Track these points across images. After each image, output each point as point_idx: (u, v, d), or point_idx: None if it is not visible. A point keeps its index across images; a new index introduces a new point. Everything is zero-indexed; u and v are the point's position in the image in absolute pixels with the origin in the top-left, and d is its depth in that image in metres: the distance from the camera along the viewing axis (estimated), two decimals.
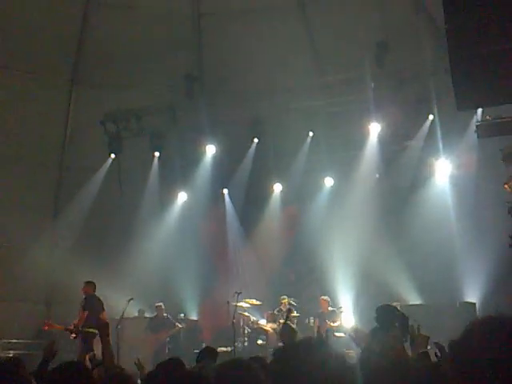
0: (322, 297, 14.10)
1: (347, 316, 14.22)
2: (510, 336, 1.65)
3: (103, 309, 12.43)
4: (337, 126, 15.61)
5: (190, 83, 16.47)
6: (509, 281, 11.62)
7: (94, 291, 12.64)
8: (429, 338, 5.64)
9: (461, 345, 1.74)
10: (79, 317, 12.39)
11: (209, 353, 7.01)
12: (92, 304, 12.38)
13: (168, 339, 14.69)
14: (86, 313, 12.27)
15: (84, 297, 12.55)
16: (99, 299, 12.60)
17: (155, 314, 14.99)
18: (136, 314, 15.31)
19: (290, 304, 14.24)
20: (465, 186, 14.11)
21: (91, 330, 11.85)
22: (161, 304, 15.07)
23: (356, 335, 7.36)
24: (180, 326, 14.76)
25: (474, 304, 13.21)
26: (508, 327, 1.69)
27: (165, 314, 14.95)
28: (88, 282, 12.71)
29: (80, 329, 12.21)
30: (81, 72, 16.88)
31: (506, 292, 11.25)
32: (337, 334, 13.10)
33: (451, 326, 9.86)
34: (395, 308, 6.76)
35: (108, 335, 5.65)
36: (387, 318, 6.62)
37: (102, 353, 5.56)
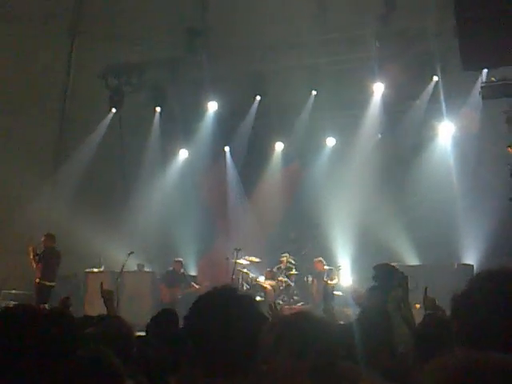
0: (315, 259, 14.19)
1: (345, 274, 14.33)
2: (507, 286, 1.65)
3: (58, 263, 12.49)
4: (340, 84, 15.44)
5: (193, 37, 16.28)
6: (507, 243, 11.65)
7: (54, 244, 12.67)
8: (435, 300, 5.67)
9: (464, 298, 1.74)
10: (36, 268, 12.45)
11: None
12: (49, 257, 12.44)
13: (180, 296, 14.48)
14: (40, 265, 12.35)
15: (43, 249, 12.59)
16: (58, 253, 12.63)
17: (172, 268, 14.88)
18: (135, 268, 15.40)
19: (289, 262, 14.35)
20: (467, 148, 14.07)
21: (48, 283, 12.01)
22: (181, 259, 15.05)
23: (356, 295, 7.35)
24: (197, 287, 14.53)
25: (472, 266, 13.29)
26: (506, 277, 1.69)
27: (182, 270, 14.93)
28: (47, 235, 12.74)
29: (37, 281, 12.34)
30: (83, 24, 16.66)
31: (503, 255, 11.29)
32: (334, 292, 13.21)
33: (448, 288, 9.89)
34: (394, 267, 6.72)
35: (111, 300, 5.68)
36: (385, 277, 6.55)
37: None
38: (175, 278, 14.69)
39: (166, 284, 14.64)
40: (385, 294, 6.31)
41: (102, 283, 5.82)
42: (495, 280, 1.70)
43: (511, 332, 1.58)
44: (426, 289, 5.33)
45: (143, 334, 5.52)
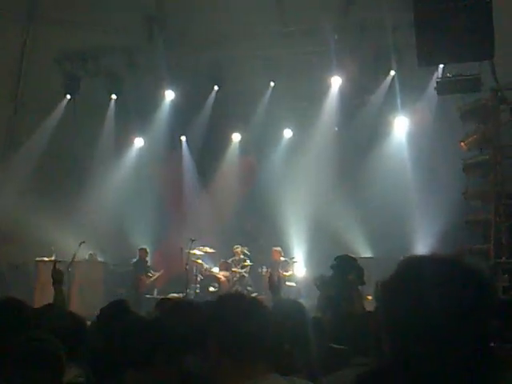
0: (274, 247, 14.21)
1: (299, 266, 14.39)
2: (435, 272, 1.62)
3: None
4: (298, 76, 15.46)
5: (150, 24, 16.08)
6: (458, 237, 11.84)
7: None
8: None
9: (389, 284, 1.70)
10: None
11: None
12: None
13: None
14: None
15: None
16: None
17: (138, 256, 14.90)
18: (86, 257, 15.18)
19: (243, 253, 14.34)
20: (422, 143, 14.26)
21: None
22: (145, 247, 15.02)
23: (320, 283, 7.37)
24: (155, 274, 14.70)
25: None
26: (433, 264, 1.65)
27: (147, 258, 14.93)
28: None
29: None
30: (38, 8, 16.28)
31: (453, 247, 11.48)
32: (288, 284, 13.27)
33: None
34: (354, 259, 6.79)
35: (60, 282, 5.58)
36: (345, 267, 6.64)
37: (54, 298, 5.49)
38: (145, 266, 14.65)
39: (140, 273, 14.51)
40: (341, 282, 6.39)
41: (55, 262, 5.80)
42: (421, 267, 1.66)
43: (435, 321, 1.56)
44: (377, 283, 5.36)
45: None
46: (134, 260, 14.96)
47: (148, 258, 15.01)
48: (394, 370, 1.62)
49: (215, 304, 2.57)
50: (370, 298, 7.67)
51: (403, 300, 1.62)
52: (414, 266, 1.68)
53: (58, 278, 5.56)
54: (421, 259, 1.70)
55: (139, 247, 14.97)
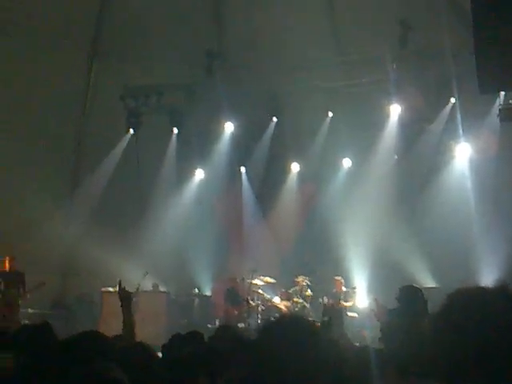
0: (336, 277, 14.08)
1: (361, 296, 14.21)
2: (486, 305, 1.63)
3: None
4: (357, 106, 15.46)
5: (210, 60, 16.42)
6: None
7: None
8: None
9: (441, 317, 1.71)
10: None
11: (225, 331, 7.00)
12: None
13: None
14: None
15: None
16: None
17: (231, 286, 14.71)
18: (150, 288, 15.38)
19: (305, 283, 14.25)
20: (484, 170, 13.96)
21: None
22: (236, 277, 14.79)
23: (377, 307, 7.22)
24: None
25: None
26: (485, 297, 1.67)
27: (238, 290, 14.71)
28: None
29: None
30: (102, 44, 16.87)
31: None
32: (350, 314, 13.11)
33: None
34: (420, 290, 6.63)
35: (128, 302, 5.55)
36: (411, 299, 6.46)
37: (123, 321, 5.47)
38: (235, 297, 14.48)
39: (232, 303, 14.39)
40: (406, 316, 6.22)
41: (120, 281, 5.63)
42: (471, 300, 1.68)
43: (488, 353, 1.56)
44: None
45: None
46: (225, 290, 14.74)
47: (239, 289, 14.67)
48: None
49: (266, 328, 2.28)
50: None
51: (450, 332, 1.64)
52: (460, 299, 1.71)
53: (125, 297, 5.49)
54: (467, 292, 1.73)
55: (230, 276, 14.76)
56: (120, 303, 5.45)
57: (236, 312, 13.95)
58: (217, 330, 6.21)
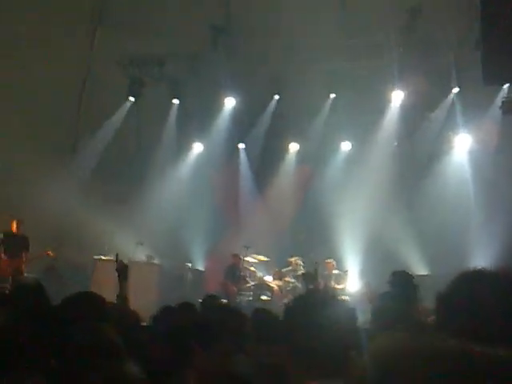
0: (327, 260, 14.15)
1: (353, 280, 14.30)
2: (495, 287, 1.64)
3: None
4: (359, 89, 15.43)
5: (215, 34, 16.33)
6: None
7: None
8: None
9: (448, 296, 1.73)
10: None
11: (212, 300, 7.10)
12: None
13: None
14: None
15: None
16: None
17: (232, 263, 14.34)
18: (144, 259, 15.44)
19: (298, 264, 14.30)
20: (484, 162, 14.01)
21: None
22: (238, 254, 14.33)
23: (369, 290, 7.29)
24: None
25: None
26: (494, 279, 1.68)
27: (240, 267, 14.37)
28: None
29: None
30: (106, 13, 16.73)
31: None
32: (341, 297, 13.20)
33: None
34: (412, 276, 6.69)
35: (125, 276, 5.59)
36: (402, 283, 6.50)
37: (118, 294, 5.52)
38: (236, 273, 14.20)
39: (230, 280, 14.11)
40: (397, 300, 6.28)
41: (117, 254, 5.69)
42: (479, 281, 1.69)
43: (492, 333, 1.57)
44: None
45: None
46: (227, 266, 14.40)
47: (242, 265, 14.33)
48: None
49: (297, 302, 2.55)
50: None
51: (457, 313, 1.66)
52: (467, 281, 1.72)
53: (122, 269, 5.53)
54: (475, 274, 1.74)
55: (233, 253, 14.39)
56: (116, 274, 5.51)
57: (235, 289, 13.98)
58: (204, 300, 6.29)
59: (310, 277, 5.85)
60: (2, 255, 12.48)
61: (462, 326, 1.62)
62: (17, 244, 12.67)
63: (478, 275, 1.72)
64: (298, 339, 2.35)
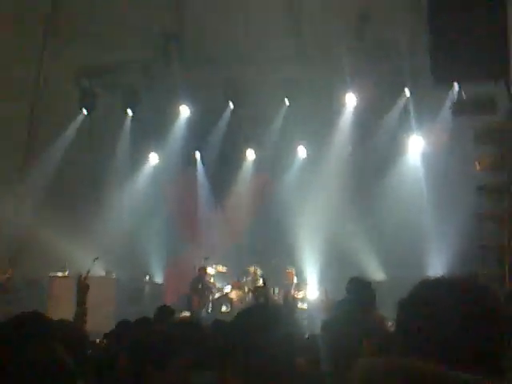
0: (288, 269, 14.12)
1: (312, 288, 14.29)
2: (455, 294, 1.65)
3: None
4: (313, 95, 15.47)
5: (167, 42, 16.23)
6: (472, 261, 11.72)
7: None
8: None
9: (409, 303, 1.72)
10: None
11: (165, 312, 7.00)
12: None
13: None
14: None
15: None
16: None
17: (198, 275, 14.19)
18: (103, 274, 15.18)
19: (256, 273, 14.26)
20: (436, 163, 14.19)
21: None
22: (204, 266, 14.23)
23: (325, 298, 7.23)
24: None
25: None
26: (453, 286, 1.68)
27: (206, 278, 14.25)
28: None
29: None
30: (55, 24, 16.48)
31: (468, 269, 11.37)
32: (300, 306, 13.18)
33: None
34: (369, 282, 6.67)
35: (84, 294, 5.60)
36: (359, 290, 6.47)
37: (75, 312, 5.49)
38: (201, 285, 14.05)
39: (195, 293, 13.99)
40: (355, 307, 6.25)
41: (80, 275, 5.75)
42: (440, 288, 1.69)
43: (452, 342, 1.59)
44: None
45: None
46: (193, 278, 14.26)
47: (208, 278, 14.22)
48: None
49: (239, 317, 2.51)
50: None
51: (417, 321, 1.65)
52: (427, 288, 1.71)
53: (83, 288, 5.57)
54: (435, 282, 1.74)
55: (199, 266, 14.22)
56: (76, 291, 5.52)
57: (199, 301, 13.81)
58: (156, 314, 6.18)
59: (259, 291, 5.76)
60: None
61: (422, 334, 1.63)
62: None
63: (438, 283, 1.73)
64: (238, 354, 2.32)
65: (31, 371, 2.62)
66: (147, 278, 15.42)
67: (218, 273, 14.70)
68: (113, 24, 16.11)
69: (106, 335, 5.79)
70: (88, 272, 12.66)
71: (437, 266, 13.64)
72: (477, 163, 11.81)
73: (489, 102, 11.60)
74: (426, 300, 1.67)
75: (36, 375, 2.59)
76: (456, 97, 12.90)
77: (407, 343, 1.67)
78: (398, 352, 1.69)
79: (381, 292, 7.03)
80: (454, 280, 1.72)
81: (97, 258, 13.27)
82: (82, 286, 5.58)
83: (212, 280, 14.37)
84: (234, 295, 13.98)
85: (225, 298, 14.03)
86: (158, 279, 16.38)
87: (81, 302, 5.44)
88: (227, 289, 14.39)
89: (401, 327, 1.73)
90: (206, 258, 13.81)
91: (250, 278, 14.34)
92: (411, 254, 13.36)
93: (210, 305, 13.95)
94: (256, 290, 5.63)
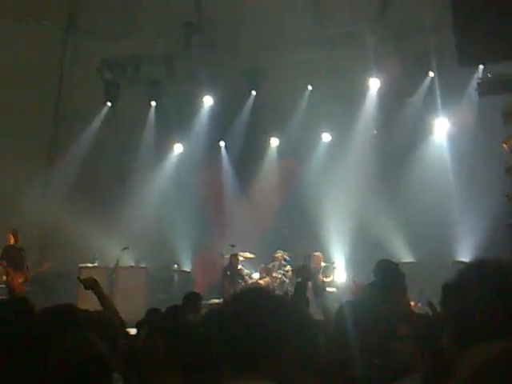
0: (315, 253, 14.11)
1: (340, 271, 14.29)
2: (504, 278, 1.67)
3: None
4: (336, 80, 15.40)
5: (189, 32, 16.22)
6: (502, 240, 11.62)
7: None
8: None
9: (453, 288, 1.75)
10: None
11: (193, 299, 7.09)
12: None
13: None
14: None
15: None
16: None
17: (229, 263, 14.08)
18: (132, 264, 15.33)
19: (283, 258, 14.29)
20: (463, 144, 14.03)
21: None
22: (237, 253, 14.16)
23: (354, 286, 7.22)
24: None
25: (467, 263, 13.27)
26: (503, 269, 1.71)
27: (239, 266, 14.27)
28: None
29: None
30: (78, 17, 16.61)
31: (498, 251, 11.26)
32: (329, 289, 13.19)
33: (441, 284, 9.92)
34: (396, 264, 6.61)
35: (93, 287, 5.58)
36: (386, 273, 6.42)
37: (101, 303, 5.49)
38: (232, 273, 13.99)
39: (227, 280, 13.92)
40: (383, 290, 6.21)
41: (78, 277, 5.66)
42: (486, 271, 1.71)
43: (499, 323, 1.60)
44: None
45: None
46: (224, 266, 14.18)
47: (239, 265, 14.17)
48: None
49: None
50: (413, 304, 7.47)
51: (467, 303, 1.69)
52: (477, 271, 1.75)
53: (91, 286, 5.49)
54: (483, 264, 1.77)
55: (232, 253, 14.18)
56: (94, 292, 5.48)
57: (231, 289, 13.82)
58: (185, 300, 6.18)
59: (301, 270, 5.74)
60: (10, 269, 12.38)
61: (471, 317, 1.66)
62: (18, 256, 12.60)
63: (484, 266, 1.75)
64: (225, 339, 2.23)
65: (69, 361, 2.67)
66: (176, 266, 15.51)
67: (246, 259, 14.72)
68: (133, 16, 16.20)
69: (137, 324, 5.82)
70: (118, 262, 12.88)
71: (465, 246, 13.56)
72: (504, 145, 11.70)
73: None
74: (474, 284, 1.70)
75: (74, 365, 2.64)
76: (481, 76, 12.76)
77: (456, 325, 1.70)
78: (451, 335, 1.71)
79: (410, 273, 6.98)
80: (498, 262, 1.74)
81: (126, 248, 13.48)
82: (89, 286, 5.49)
83: (239, 266, 14.41)
84: (263, 281, 14.02)
85: (254, 284, 14.06)
86: (186, 267, 16.48)
87: (102, 298, 5.29)
88: (255, 275, 14.44)
89: (448, 310, 1.77)
90: (233, 246, 13.85)
91: (277, 263, 14.38)
92: (439, 235, 13.31)
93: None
94: (298, 271, 5.60)
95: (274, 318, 2.20)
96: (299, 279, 5.91)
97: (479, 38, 10.93)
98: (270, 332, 2.16)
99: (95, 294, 5.56)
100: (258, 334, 2.15)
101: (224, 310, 2.38)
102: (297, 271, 5.87)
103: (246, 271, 14.47)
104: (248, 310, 2.22)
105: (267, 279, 14.02)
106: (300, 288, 5.69)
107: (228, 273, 13.83)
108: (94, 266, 15.02)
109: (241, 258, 14.26)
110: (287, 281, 14.13)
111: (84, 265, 15.16)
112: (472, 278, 1.72)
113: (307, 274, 5.88)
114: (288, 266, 14.34)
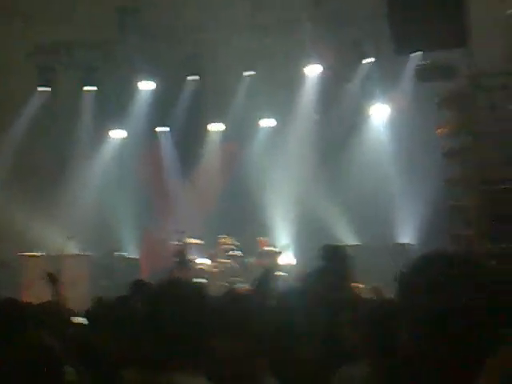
0: (261, 237, 14.32)
1: (285, 255, 14.54)
2: (456, 269, 1.72)
3: None
4: (276, 66, 15.55)
5: (123, 16, 16.01)
6: (440, 223, 12.10)
7: None
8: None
9: (409, 279, 1.78)
10: None
11: (139, 286, 7.11)
12: None
13: None
14: None
15: None
16: None
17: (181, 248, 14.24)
18: (78, 252, 15.13)
19: (229, 243, 14.41)
20: (400, 130, 14.46)
21: None
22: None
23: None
24: None
25: (406, 245, 13.82)
26: (454, 260, 1.77)
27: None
28: None
29: None
30: (9, 2, 16.09)
31: (436, 234, 11.73)
32: (276, 273, 13.41)
33: (384, 267, 10.35)
34: (342, 247, 6.69)
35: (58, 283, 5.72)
36: (334, 258, 6.43)
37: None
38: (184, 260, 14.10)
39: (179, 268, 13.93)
40: (329, 274, 6.30)
41: (45, 270, 5.98)
42: (443, 262, 1.76)
43: (458, 316, 1.64)
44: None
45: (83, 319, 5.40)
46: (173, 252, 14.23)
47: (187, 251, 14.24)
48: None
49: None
50: (361, 286, 7.59)
51: (419, 295, 1.71)
52: (429, 263, 1.78)
53: (54, 281, 5.67)
54: (434, 256, 1.81)
55: (179, 239, 14.27)
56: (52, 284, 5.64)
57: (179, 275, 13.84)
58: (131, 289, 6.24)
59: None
60: None
61: (426, 307, 1.68)
62: None
63: (439, 257, 1.79)
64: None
65: (17, 359, 2.67)
66: (123, 253, 15.40)
67: (192, 245, 14.78)
68: (67, 0, 15.84)
69: (87, 314, 5.75)
70: (62, 250, 12.68)
71: (406, 229, 14.06)
72: (439, 130, 12.15)
73: (450, 67, 11.90)
74: (429, 274, 1.73)
75: (22, 362, 2.64)
76: (418, 63, 13.15)
77: (414, 314, 1.72)
78: (405, 322, 1.76)
79: (354, 256, 7.08)
80: (451, 255, 1.80)
81: (71, 237, 13.31)
82: (53, 281, 5.71)
83: (186, 253, 14.47)
84: (208, 267, 14.13)
85: (200, 270, 14.17)
86: (131, 254, 16.39)
87: (57, 293, 5.61)
88: (202, 261, 14.53)
89: (405, 299, 1.78)
90: (182, 232, 13.88)
91: (223, 248, 14.48)
92: (381, 218, 13.73)
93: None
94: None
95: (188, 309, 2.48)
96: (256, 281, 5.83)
97: (414, 27, 11.29)
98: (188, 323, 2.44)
99: (53, 289, 5.65)
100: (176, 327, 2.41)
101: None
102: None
103: (192, 257, 14.56)
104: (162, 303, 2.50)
105: (215, 265, 14.14)
106: (265, 277, 5.77)
107: (176, 259, 13.88)
108: (36, 255, 14.74)
109: (188, 244, 14.31)
110: (236, 266, 14.26)
111: (24, 253, 14.87)
112: (429, 270, 1.75)
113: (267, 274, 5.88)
114: (235, 251, 14.48)
